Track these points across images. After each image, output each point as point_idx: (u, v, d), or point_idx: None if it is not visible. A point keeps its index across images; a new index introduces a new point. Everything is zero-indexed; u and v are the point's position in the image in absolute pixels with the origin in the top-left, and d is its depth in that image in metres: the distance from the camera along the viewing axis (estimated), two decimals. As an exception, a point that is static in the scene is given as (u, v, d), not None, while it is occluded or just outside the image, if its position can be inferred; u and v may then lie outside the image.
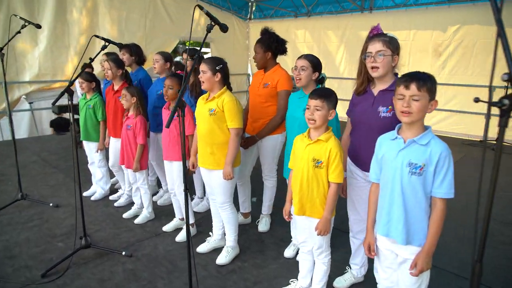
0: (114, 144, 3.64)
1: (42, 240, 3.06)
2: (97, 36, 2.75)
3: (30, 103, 6.95)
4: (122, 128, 3.45)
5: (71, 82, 2.57)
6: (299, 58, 2.50)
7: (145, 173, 3.32)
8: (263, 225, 3.29)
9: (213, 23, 1.96)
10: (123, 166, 3.49)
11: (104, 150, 3.81)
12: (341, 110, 2.17)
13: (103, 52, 2.83)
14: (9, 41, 3.30)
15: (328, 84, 2.82)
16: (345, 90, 5.26)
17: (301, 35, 9.22)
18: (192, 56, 3.46)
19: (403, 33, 7.37)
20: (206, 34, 1.95)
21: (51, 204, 3.70)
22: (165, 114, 2.91)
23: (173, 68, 3.58)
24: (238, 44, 10.26)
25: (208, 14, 1.97)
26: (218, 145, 2.51)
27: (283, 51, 2.98)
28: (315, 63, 2.48)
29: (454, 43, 6.92)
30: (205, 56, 3.62)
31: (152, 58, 3.47)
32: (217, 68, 2.43)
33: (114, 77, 3.44)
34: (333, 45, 8.74)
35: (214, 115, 2.44)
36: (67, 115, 7.58)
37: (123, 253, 2.81)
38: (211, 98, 2.49)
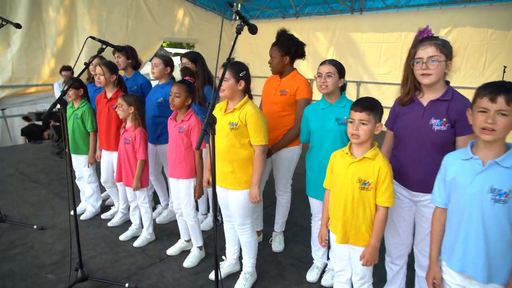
0: (107, 158, 3.27)
1: (28, 271, 2.66)
2: (93, 38, 2.39)
3: (2, 109, 6.39)
4: (116, 140, 3.10)
5: (64, 92, 2.19)
6: (322, 63, 2.27)
7: (146, 191, 2.97)
8: (278, 244, 3.01)
9: (242, 23, 1.69)
10: (119, 183, 3.12)
11: (95, 164, 3.42)
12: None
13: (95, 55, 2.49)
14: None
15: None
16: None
17: (289, 37, 8.97)
18: (194, 61, 3.13)
19: (394, 35, 7.28)
20: (236, 36, 1.68)
21: (35, 227, 3.27)
22: (171, 125, 2.58)
23: (180, 73, 3.22)
24: (223, 46, 9.94)
25: (237, 13, 1.71)
26: (239, 162, 2.20)
27: (302, 55, 2.71)
28: (340, 69, 2.26)
29: (446, 45, 6.87)
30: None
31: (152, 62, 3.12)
32: (240, 75, 2.12)
33: (107, 83, 3.07)
34: (322, 46, 8.58)
35: (235, 130, 2.13)
36: (40, 122, 7.03)
37: (126, 285, 2.46)
38: (231, 109, 2.17)
